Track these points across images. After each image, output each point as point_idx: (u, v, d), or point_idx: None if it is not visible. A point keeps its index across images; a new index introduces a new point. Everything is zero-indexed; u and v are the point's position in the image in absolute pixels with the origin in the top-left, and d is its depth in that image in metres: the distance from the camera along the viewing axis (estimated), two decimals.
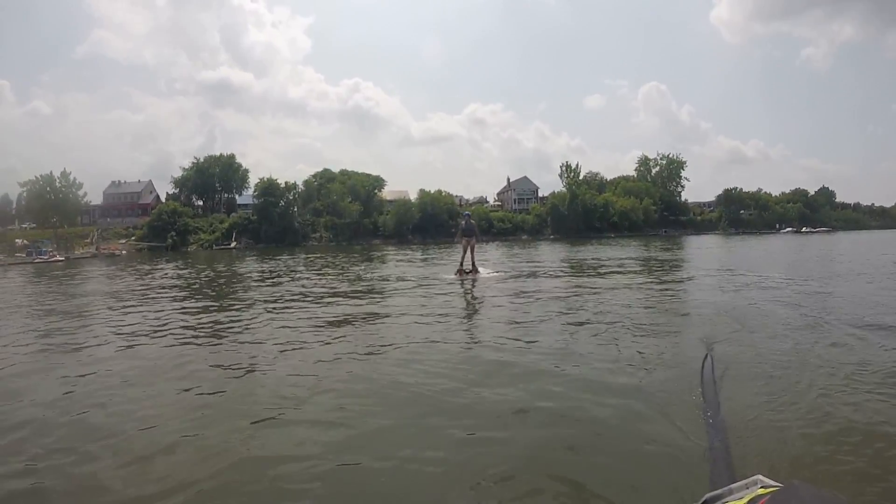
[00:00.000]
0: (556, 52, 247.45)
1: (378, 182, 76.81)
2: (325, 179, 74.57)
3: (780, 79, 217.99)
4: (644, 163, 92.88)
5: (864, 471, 3.29)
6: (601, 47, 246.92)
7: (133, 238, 63.23)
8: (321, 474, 3.30)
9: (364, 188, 73.92)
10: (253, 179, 74.39)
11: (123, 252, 54.19)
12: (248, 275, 19.94)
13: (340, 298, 11.58)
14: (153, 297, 12.80)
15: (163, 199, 74.93)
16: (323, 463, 3.50)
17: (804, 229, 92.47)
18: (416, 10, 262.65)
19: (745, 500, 0.92)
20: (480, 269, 15.30)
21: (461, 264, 15.20)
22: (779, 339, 6.89)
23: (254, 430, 3.92)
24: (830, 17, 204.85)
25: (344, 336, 7.41)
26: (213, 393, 4.85)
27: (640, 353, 6.25)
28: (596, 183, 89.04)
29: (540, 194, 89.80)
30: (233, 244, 64.30)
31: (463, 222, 15.73)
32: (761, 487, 0.98)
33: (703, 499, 1.03)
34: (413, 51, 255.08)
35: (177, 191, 73.36)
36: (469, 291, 12.68)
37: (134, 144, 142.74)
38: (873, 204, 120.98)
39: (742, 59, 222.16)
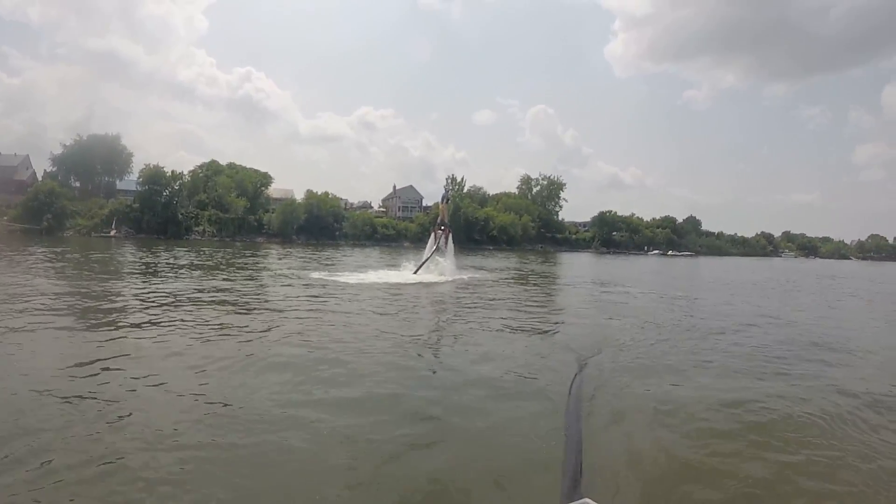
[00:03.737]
0: (454, 65, 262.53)
1: (266, 179, 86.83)
2: (212, 171, 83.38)
3: (662, 114, 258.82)
4: (526, 181, 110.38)
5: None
6: (497, 65, 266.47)
7: (6, 218, 66.60)
8: None
9: (251, 184, 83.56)
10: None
11: None
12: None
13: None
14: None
15: (39, 176, 79.14)
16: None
17: (670, 252, 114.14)
18: (319, 3, 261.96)
19: None
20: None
21: (441, 219, 28.25)
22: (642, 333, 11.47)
23: None
24: (716, 64, 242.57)
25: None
26: None
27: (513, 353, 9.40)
28: (479, 197, 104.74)
29: (424, 204, 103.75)
30: (112, 232, 69.62)
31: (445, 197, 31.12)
32: None
33: None
34: (311, 46, 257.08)
35: (55, 169, 77.40)
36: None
37: (7, 111, 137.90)
38: (736, 233, 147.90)
39: (629, 93, 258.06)
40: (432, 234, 27.70)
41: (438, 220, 28.45)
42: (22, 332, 10.21)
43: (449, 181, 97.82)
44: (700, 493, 4.82)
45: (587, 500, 1.34)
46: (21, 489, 4.44)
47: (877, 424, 6.86)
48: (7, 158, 79.63)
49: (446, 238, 27.36)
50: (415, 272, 25.43)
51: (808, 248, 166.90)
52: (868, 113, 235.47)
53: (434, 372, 8.62)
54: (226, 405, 6.64)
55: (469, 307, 16.16)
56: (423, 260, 26.12)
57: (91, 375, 7.66)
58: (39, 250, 35.06)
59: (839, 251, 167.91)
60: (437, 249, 26.79)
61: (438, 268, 26.44)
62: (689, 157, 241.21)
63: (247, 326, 11.53)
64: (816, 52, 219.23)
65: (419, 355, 9.83)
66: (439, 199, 31.45)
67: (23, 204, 68.34)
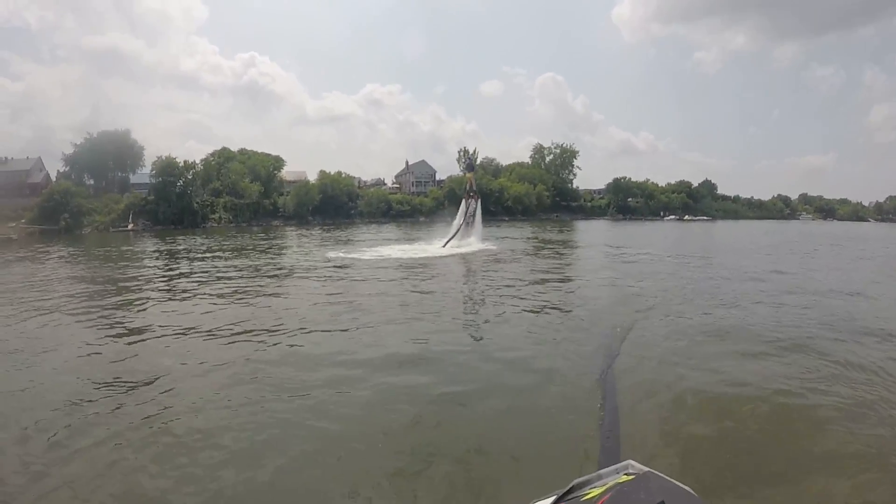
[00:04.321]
0: (458, 37, 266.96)
1: (278, 162, 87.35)
2: (224, 158, 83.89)
3: (672, 77, 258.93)
4: (539, 151, 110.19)
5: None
6: (503, 35, 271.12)
7: (23, 221, 67.04)
8: None
9: (264, 168, 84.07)
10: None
11: (15, 236, 58.84)
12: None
13: None
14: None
15: (52, 177, 79.35)
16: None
17: (686, 217, 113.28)
18: None
19: (606, 487, 1.12)
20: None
21: (468, 188, 29.68)
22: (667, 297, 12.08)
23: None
24: (726, 25, 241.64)
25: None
26: None
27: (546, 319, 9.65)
28: (492, 168, 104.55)
29: (438, 177, 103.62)
30: (130, 226, 70.37)
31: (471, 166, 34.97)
32: (625, 474, 1.21)
33: (572, 484, 1.22)
34: (313, 26, 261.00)
35: (67, 169, 78.09)
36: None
37: (13, 117, 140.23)
38: (752, 197, 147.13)
39: (638, 57, 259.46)
40: (463, 202, 29.31)
41: (467, 188, 29.62)
42: (71, 312, 11.31)
43: (462, 153, 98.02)
44: (732, 453, 4.92)
45: (630, 461, 1.31)
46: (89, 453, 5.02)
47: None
48: (20, 163, 79.77)
49: (476, 204, 28.90)
50: (444, 245, 26.38)
51: (825, 210, 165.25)
52: (883, 72, 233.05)
53: (471, 349, 8.59)
54: (266, 371, 7.27)
55: (501, 278, 16.16)
56: (452, 233, 27.23)
57: (136, 343, 8.63)
58: (62, 248, 36.68)
59: (857, 213, 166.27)
60: (466, 222, 28.06)
61: (464, 238, 27.93)
62: (701, 121, 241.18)
63: (283, 302, 12.28)
64: (827, 10, 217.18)
65: (457, 329, 9.88)
66: (465, 170, 34.12)
67: (38, 206, 68.91)
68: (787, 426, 5.49)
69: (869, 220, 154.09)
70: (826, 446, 5.10)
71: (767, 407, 5.91)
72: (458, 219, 28.75)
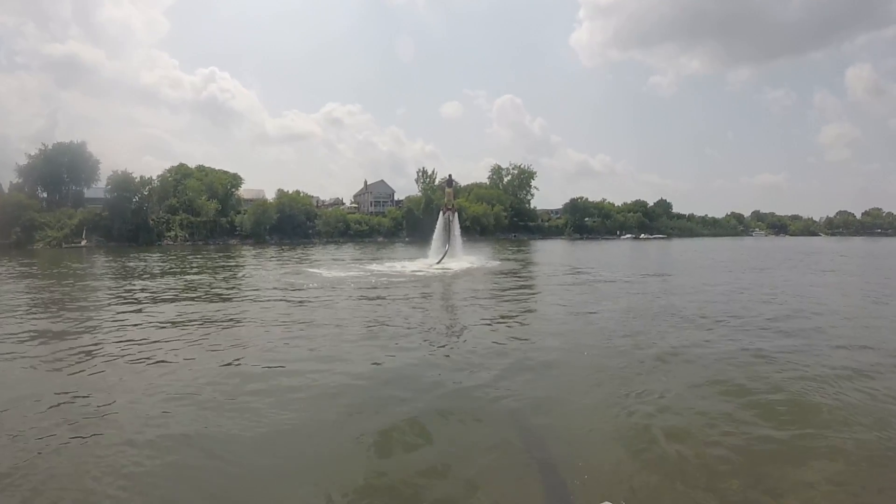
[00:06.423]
0: (419, 58, 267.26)
1: (236, 180, 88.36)
2: (181, 175, 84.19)
3: (629, 101, 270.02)
4: (497, 171, 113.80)
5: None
6: (463, 57, 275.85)
7: None
8: None
9: (222, 185, 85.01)
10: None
11: None
12: None
13: None
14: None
15: (4, 188, 77.95)
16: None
17: (642, 236, 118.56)
18: (281, 0, 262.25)
19: None
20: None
21: (447, 202, 31.80)
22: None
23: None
24: (681, 51, 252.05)
25: None
26: None
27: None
28: None
29: (396, 198, 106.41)
30: (83, 242, 70.34)
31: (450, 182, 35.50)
32: None
33: None
34: (275, 42, 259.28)
35: (20, 180, 77.27)
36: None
37: None
38: (706, 215, 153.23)
39: (595, 81, 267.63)
40: (440, 217, 31.11)
41: (445, 202, 32.06)
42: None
43: (420, 174, 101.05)
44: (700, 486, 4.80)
45: (607, 503, 1.36)
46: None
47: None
48: None
49: (453, 216, 30.68)
50: (437, 263, 28.21)
51: (777, 226, 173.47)
52: (832, 94, 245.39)
53: (419, 371, 8.49)
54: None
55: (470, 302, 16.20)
56: (444, 253, 29.13)
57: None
58: (11, 264, 35.69)
59: (808, 228, 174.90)
60: (449, 234, 29.94)
61: (446, 255, 29.71)
62: (658, 143, 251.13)
63: (258, 320, 12.54)
64: (779, 36, 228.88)
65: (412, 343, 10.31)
66: (445, 185, 36.09)
67: None
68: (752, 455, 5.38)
69: (820, 235, 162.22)
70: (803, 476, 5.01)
71: (727, 437, 5.81)
72: (438, 233, 30.85)
